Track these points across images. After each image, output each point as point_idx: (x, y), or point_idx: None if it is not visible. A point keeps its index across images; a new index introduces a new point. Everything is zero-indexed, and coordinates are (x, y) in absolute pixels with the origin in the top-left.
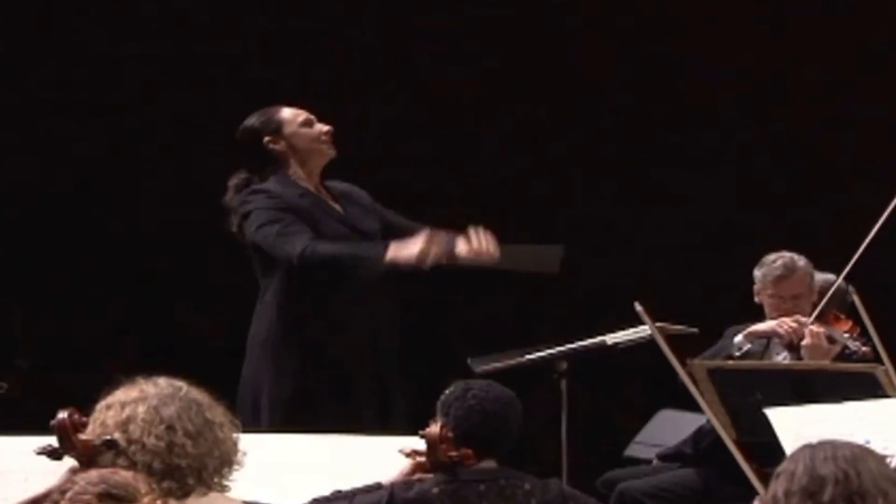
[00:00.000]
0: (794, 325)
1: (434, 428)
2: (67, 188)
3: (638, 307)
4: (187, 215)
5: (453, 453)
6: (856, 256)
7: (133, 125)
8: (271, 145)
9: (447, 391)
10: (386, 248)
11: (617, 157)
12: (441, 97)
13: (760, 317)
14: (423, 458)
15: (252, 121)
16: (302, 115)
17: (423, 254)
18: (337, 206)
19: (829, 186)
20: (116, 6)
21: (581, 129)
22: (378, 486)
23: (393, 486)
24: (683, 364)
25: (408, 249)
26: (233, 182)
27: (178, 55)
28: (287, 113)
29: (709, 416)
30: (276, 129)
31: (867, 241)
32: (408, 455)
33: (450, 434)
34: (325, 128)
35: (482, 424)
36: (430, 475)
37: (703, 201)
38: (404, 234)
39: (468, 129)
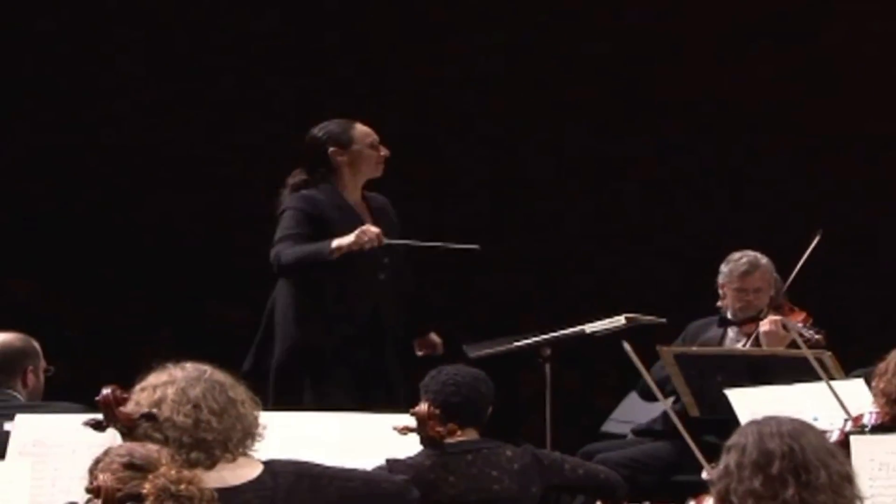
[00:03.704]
0: None
1: (422, 406)
2: (113, 188)
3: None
4: (218, 216)
5: (440, 428)
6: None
7: (166, 125)
8: (335, 156)
9: (427, 376)
10: (331, 242)
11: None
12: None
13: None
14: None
15: (325, 128)
16: (371, 136)
17: (357, 243)
18: (368, 220)
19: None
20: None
21: (559, 128)
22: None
23: (389, 462)
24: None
25: (346, 238)
26: (291, 181)
27: (204, 57)
28: (360, 131)
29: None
30: (346, 143)
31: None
32: (400, 431)
33: (436, 411)
34: (385, 152)
35: (456, 394)
36: None
37: (677, 202)
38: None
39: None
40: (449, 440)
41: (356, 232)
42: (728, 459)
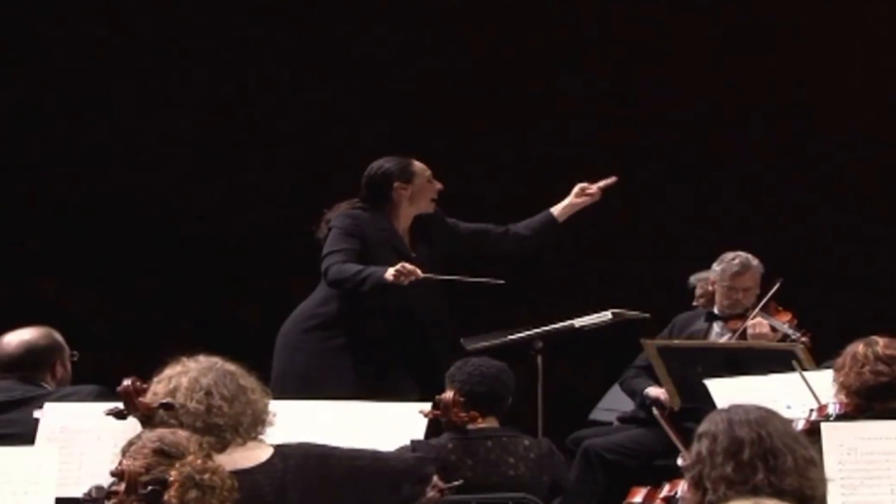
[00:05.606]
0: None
1: (449, 393)
2: (135, 190)
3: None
4: (241, 221)
5: (463, 415)
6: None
7: (188, 129)
8: (399, 190)
9: (452, 366)
10: (385, 270)
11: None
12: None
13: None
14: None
15: (389, 165)
16: (428, 170)
17: (395, 279)
18: (409, 247)
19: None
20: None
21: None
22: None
23: (414, 443)
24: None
25: (386, 275)
26: (345, 205)
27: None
28: (419, 166)
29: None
30: (409, 178)
31: None
32: (426, 415)
33: (461, 398)
34: (439, 186)
35: (481, 383)
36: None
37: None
38: (479, 238)
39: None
40: (471, 426)
41: (395, 268)
42: (700, 447)
